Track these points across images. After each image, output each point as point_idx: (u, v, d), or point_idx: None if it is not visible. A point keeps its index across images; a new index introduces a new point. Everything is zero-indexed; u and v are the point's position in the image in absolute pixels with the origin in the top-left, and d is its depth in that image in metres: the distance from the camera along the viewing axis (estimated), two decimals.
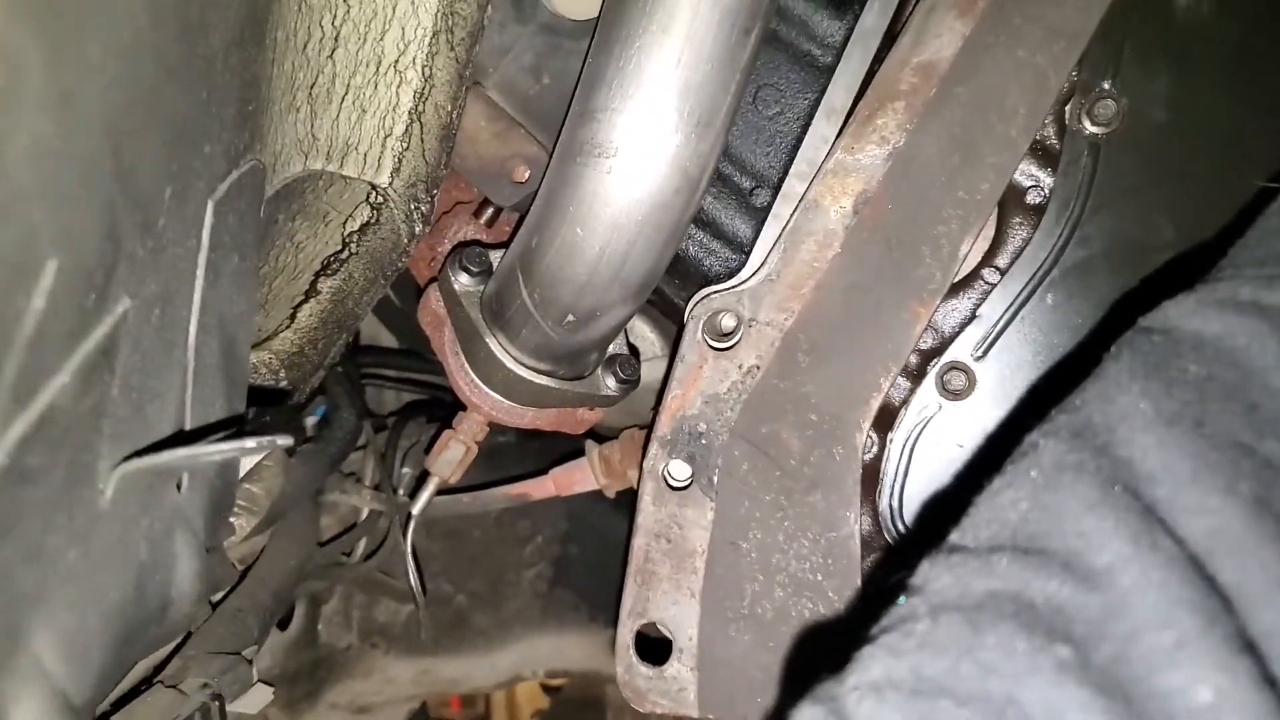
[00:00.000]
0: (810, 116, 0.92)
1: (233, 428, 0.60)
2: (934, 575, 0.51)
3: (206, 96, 0.50)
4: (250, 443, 0.49)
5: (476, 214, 1.06)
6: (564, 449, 1.38)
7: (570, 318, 0.86)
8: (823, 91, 0.91)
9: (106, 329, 0.41)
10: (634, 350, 1.05)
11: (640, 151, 0.78)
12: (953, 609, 0.48)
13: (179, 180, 0.48)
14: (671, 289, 1.01)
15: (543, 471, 1.29)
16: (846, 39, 0.91)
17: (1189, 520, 0.47)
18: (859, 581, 0.84)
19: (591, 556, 1.61)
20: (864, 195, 0.83)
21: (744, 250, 0.94)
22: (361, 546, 1.44)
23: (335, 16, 0.68)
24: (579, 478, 1.25)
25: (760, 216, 0.94)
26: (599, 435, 1.25)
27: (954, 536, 0.54)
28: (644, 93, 0.77)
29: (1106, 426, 0.53)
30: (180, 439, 0.52)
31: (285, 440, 0.51)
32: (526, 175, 0.96)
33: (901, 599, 0.51)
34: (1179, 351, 0.55)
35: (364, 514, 1.44)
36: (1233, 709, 0.40)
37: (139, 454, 0.48)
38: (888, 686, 0.45)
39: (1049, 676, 0.42)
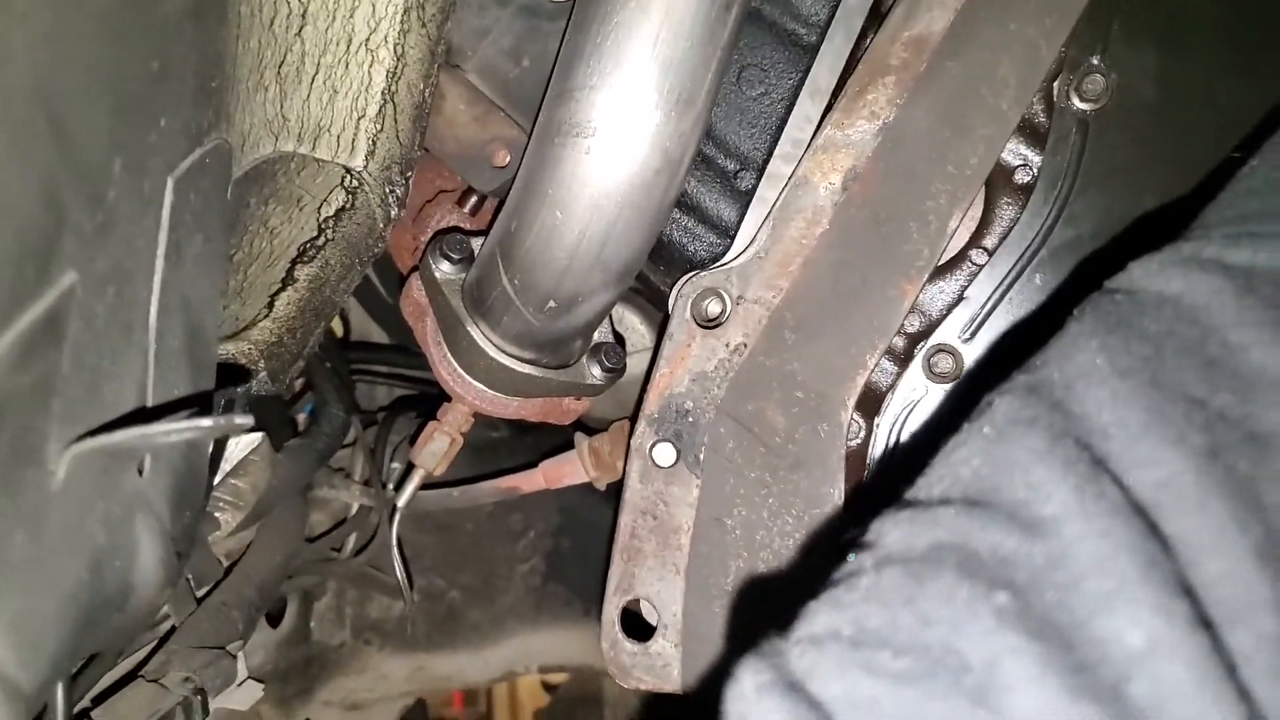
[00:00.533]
0: (795, 97, 0.90)
1: (196, 408, 0.58)
2: (884, 530, 0.52)
3: (159, 68, 0.48)
4: (207, 422, 0.48)
5: (460, 202, 1.04)
6: (554, 442, 1.37)
7: (551, 304, 0.84)
8: (807, 71, 0.90)
9: (49, 302, 0.40)
10: (620, 339, 1.03)
11: (619, 131, 0.77)
12: (897, 561, 0.48)
13: (129, 152, 0.46)
14: (657, 276, 1.00)
15: (533, 465, 1.27)
16: (831, 17, 0.89)
17: (1138, 472, 0.47)
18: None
19: (584, 550, 1.59)
20: (853, 171, 0.82)
21: (729, 234, 0.93)
22: (351, 542, 1.43)
23: None
24: (569, 470, 1.23)
25: (745, 200, 0.92)
26: (589, 428, 1.24)
27: (907, 494, 0.54)
28: (622, 70, 0.76)
29: (1062, 383, 0.53)
30: (137, 418, 0.51)
31: (244, 420, 0.50)
32: (507, 160, 0.95)
33: (851, 555, 0.51)
34: (1140, 310, 0.56)
35: (354, 509, 1.43)
36: (1166, 651, 0.41)
37: (92, 434, 0.47)
38: (829, 639, 0.46)
39: (987, 624, 0.43)
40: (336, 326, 1.76)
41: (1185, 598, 0.42)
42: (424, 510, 1.49)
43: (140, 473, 0.54)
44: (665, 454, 0.88)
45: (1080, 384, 0.52)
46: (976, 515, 0.48)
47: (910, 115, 0.81)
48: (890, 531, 0.51)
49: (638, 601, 0.90)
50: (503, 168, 0.95)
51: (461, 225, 1.04)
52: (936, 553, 0.47)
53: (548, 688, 3.01)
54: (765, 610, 0.85)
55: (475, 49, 0.95)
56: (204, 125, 0.59)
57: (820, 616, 0.48)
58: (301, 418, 1.49)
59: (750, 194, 0.91)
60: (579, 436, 1.21)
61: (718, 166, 0.95)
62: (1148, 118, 0.81)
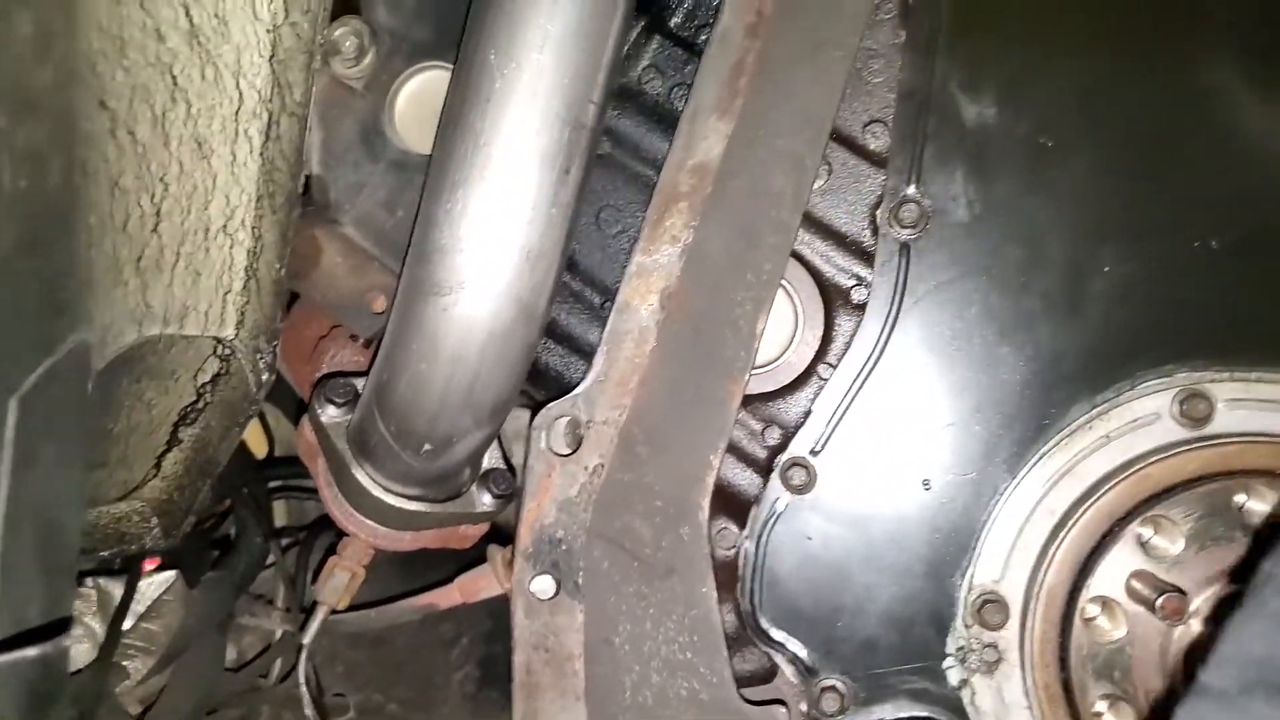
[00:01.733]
0: None
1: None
2: None
3: None
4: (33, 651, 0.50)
5: (354, 337, 1.09)
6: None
7: (428, 446, 0.88)
8: None
9: None
10: (510, 465, 1.07)
11: (474, 288, 0.82)
12: None
13: None
14: (541, 398, 1.04)
15: (450, 579, 1.29)
16: None
17: None
18: (725, 652, 0.87)
19: None
20: (667, 291, 0.89)
21: None
22: (277, 668, 1.43)
23: (154, 195, 0.71)
24: (484, 584, 1.25)
25: None
26: (507, 535, 1.27)
27: (1203, 676, 0.55)
28: (473, 233, 0.82)
29: None
30: None
31: (59, 646, 0.52)
32: (384, 305, 0.99)
33: None
34: None
35: (277, 634, 1.44)
36: None
37: None
38: None
39: None
40: (261, 444, 1.78)
41: None
42: (347, 631, 1.51)
43: None
44: (545, 586, 0.91)
45: None
46: None
47: (706, 235, 0.88)
48: None
49: None
50: (381, 313, 1.00)
51: (357, 358, 1.08)
52: None
53: None
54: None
55: (352, 203, 1.00)
56: (56, 334, 0.63)
57: None
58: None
59: None
60: (492, 548, 1.24)
61: (586, 300, 1.01)
62: (962, 238, 0.88)
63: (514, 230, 0.82)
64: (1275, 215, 0.87)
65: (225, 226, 0.76)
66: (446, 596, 1.30)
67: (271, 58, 0.68)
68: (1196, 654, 0.62)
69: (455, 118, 0.82)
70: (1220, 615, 0.69)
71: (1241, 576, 0.81)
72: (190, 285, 0.77)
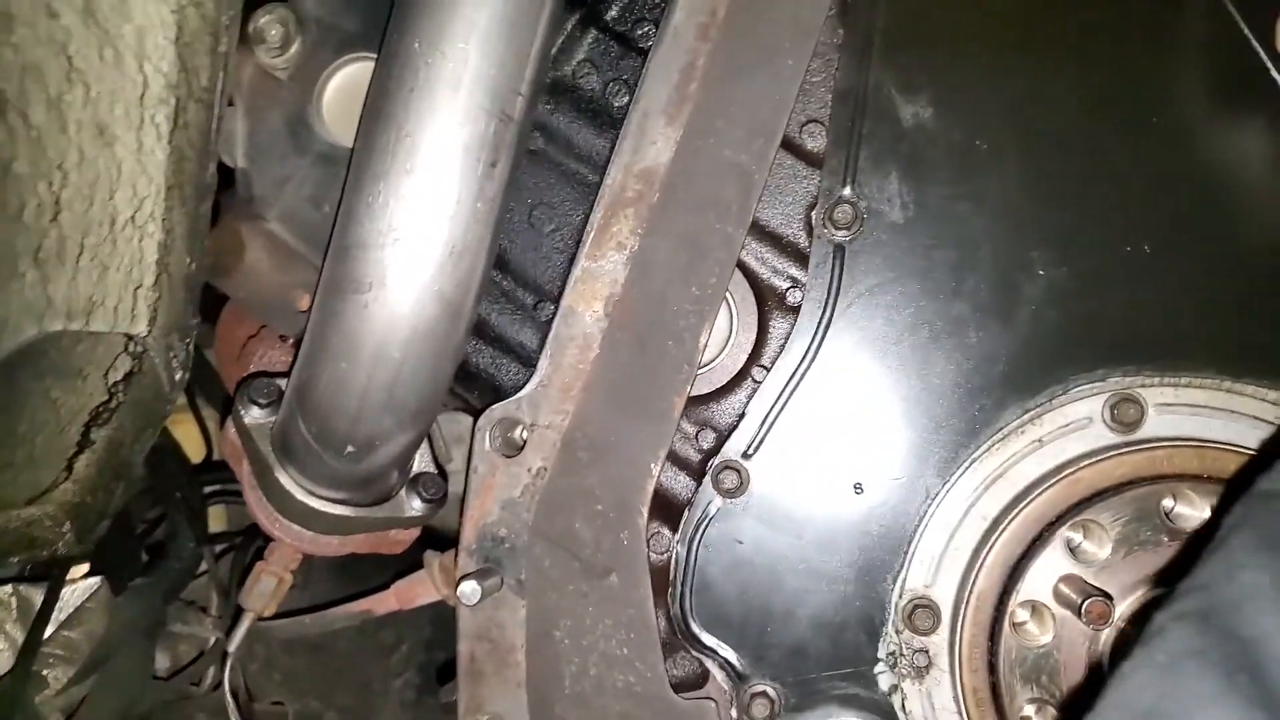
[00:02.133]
0: (583, 231, 0.95)
1: None
2: None
3: None
4: None
5: (284, 337, 1.06)
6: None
7: (350, 448, 0.86)
8: (592, 206, 0.95)
9: None
10: (441, 468, 1.05)
11: (395, 285, 0.80)
12: None
13: None
14: (473, 401, 1.02)
15: (388, 585, 1.27)
16: (609, 157, 0.94)
17: None
18: (660, 650, 0.87)
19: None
20: (611, 298, 0.87)
21: (532, 363, 0.96)
22: (210, 675, 1.39)
23: (52, 183, 0.68)
24: (421, 590, 1.23)
25: (546, 329, 0.96)
26: (447, 540, 1.24)
27: None
28: (395, 228, 0.79)
29: (1230, 605, 0.54)
30: None
31: None
32: (309, 303, 0.96)
33: None
34: None
35: (210, 642, 1.40)
36: None
37: None
38: None
39: None
40: (199, 447, 1.73)
41: None
42: (284, 638, 1.47)
43: None
44: (488, 581, 0.90)
45: (1248, 607, 0.54)
46: None
47: (652, 244, 0.87)
48: None
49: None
50: (306, 310, 0.97)
51: (285, 358, 1.05)
52: None
53: None
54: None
55: (278, 197, 0.97)
56: None
57: None
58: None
59: (550, 323, 0.95)
60: (429, 554, 1.21)
61: (518, 299, 0.99)
62: (896, 240, 0.87)
63: (436, 225, 0.80)
64: (1206, 220, 0.87)
65: (134, 218, 0.73)
66: (383, 603, 1.27)
67: (177, 40, 0.66)
68: (1120, 659, 0.62)
69: (378, 108, 0.80)
70: (1141, 619, 0.69)
71: (1167, 581, 0.81)
72: (97, 278, 0.74)
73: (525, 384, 0.93)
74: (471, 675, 0.92)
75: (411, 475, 0.99)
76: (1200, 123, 0.87)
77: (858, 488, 0.87)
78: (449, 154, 0.79)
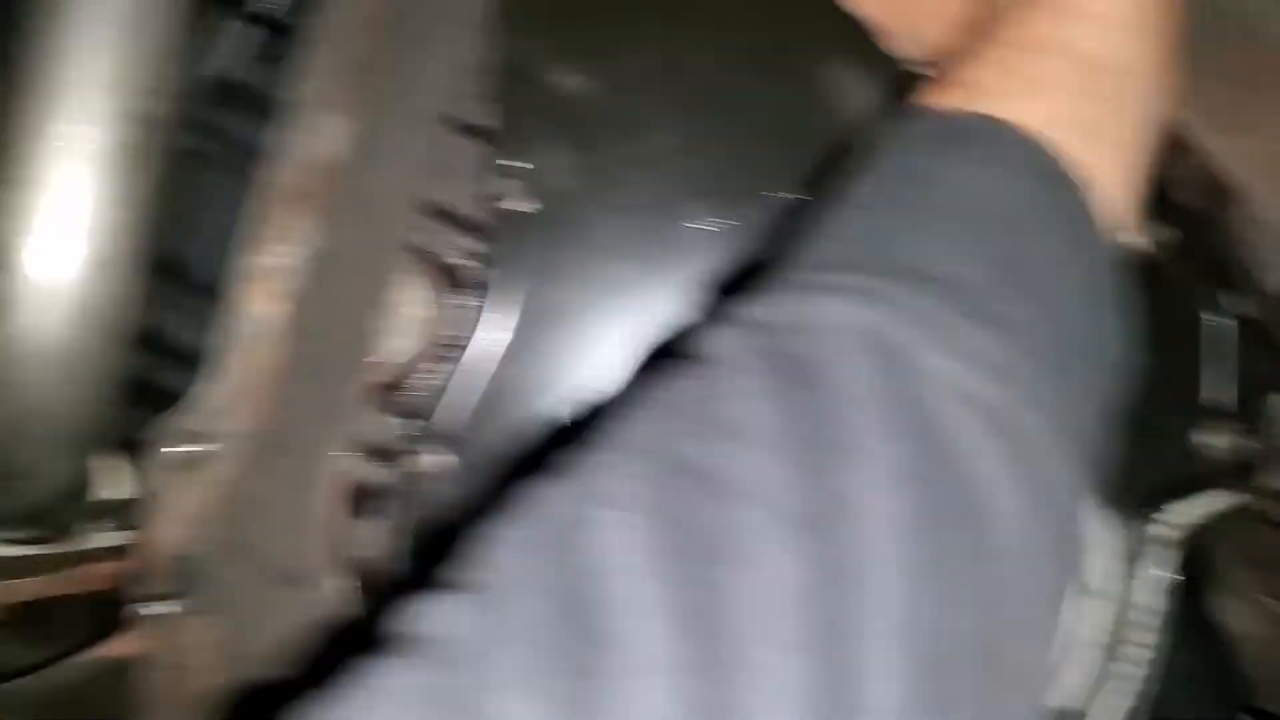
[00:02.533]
0: (255, 229, 0.91)
1: None
2: None
3: None
4: None
5: None
6: None
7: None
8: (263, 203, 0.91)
9: None
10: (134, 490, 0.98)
11: (28, 303, 0.75)
12: None
13: None
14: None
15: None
16: (279, 151, 0.91)
17: None
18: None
19: None
20: (286, 294, 0.85)
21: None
22: None
23: None
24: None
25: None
26: None
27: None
28: (22, 243, 0.74)
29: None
30: None
31: None
32: None
33: None
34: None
35: None
36: None
37: None
38: None
39: None
40: None
41: None
42: (28, 700, 1.35)
43: None
44: (170, 606, 0.86)
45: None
46: None
47: (326, 236, 0.86)
48: None
49: None
50: None
51: None
52: None
53: None
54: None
55: None
56: None
57: None
58: None
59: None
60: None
61: (196, 307, 0.94)
62: (564, 208, 0.89)
63: (68, 237, 0.75)
64: (837, 163, 0.93)
65: None
66: (127, 643, 1.19)
67: None
68: None
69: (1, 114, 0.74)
70: None
71: None
72: None
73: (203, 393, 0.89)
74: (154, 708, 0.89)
75: (93, 502, 0.92)
76: (821, 72, 0.93)
77: None
78: (77, 160, 0.75)
